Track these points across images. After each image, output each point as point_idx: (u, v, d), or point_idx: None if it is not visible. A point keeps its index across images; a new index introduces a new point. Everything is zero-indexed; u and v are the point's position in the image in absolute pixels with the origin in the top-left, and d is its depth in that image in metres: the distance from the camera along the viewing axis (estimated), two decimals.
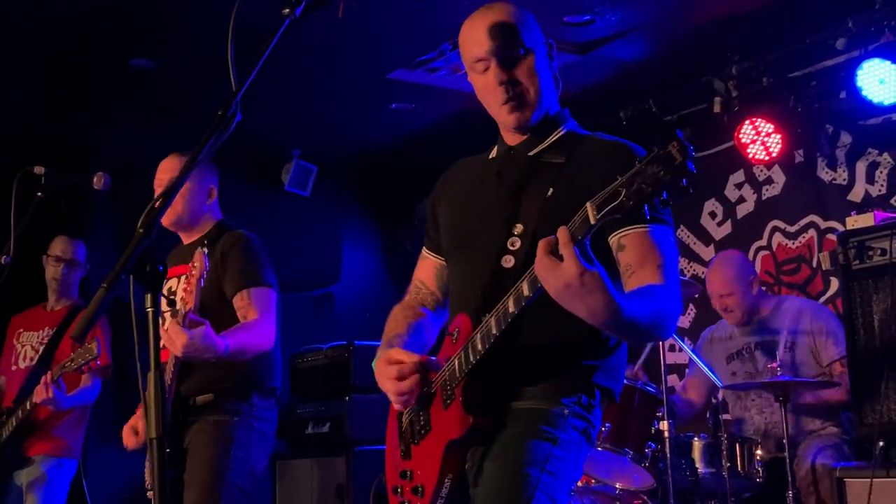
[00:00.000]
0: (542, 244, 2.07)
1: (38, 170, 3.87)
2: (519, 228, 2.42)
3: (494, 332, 2.29)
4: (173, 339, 3.34)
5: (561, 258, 2.02)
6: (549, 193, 2.41)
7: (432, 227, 2.79)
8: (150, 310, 1.87)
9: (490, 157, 2.70)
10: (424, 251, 2.83)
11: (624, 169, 2.01)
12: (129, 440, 3.78)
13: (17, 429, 4.88)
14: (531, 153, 2.56)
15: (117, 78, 5.90)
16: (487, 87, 2.54)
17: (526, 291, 2.20)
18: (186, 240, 3.98)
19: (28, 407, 4.72)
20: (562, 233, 2.04)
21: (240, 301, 3.69)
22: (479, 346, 2.33)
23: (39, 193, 3.86)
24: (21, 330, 5.46)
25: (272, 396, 3.85)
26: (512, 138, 2.62)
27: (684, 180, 1.91)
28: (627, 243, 2.35)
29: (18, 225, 3.81)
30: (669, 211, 2.40)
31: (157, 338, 1.86)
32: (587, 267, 2.01)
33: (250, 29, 2.16)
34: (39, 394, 4.56)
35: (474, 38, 2.53)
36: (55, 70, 5.78)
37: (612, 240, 2.37)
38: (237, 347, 3.50)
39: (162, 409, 3.36)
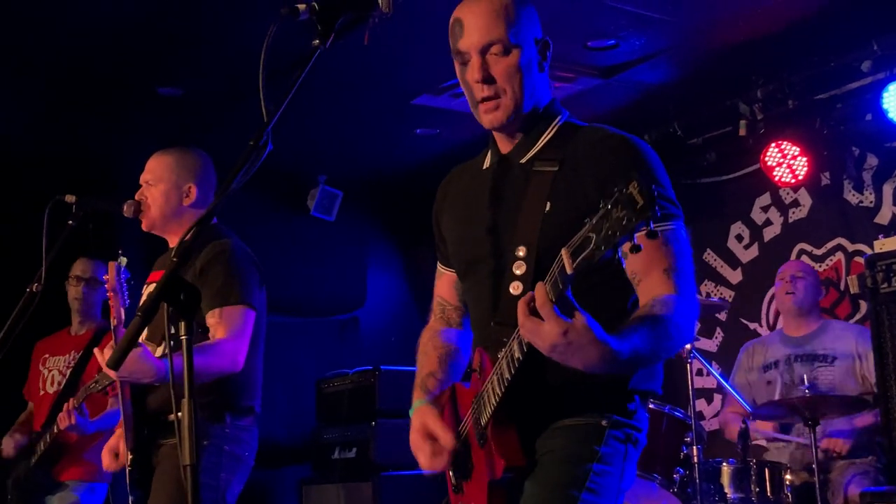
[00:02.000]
0: (520, 305, 2.01)
1: (70, 198, 3.87)
2: (522, 251, 2.32)
3: (507, 376, 2.23)
4: (104, 361, 3.21)
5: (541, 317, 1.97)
6: (547, 209, 2.31)
7: (440, 241, 2.73)
8: (184, 337, 1.88)
9: (484, 166, 2.57)
10: (439, 266, 2.78)
11: (619, 173, 1.95)
12: (109, 462, 3.64)
13: (45, 453, 4.90)
14: (523, 160, 2.44)
15: (146, 105, 5.96)
16: (465, 83, 2.43)
17: (517, 354, 2.16)
18: (172, 243, 3.82)
19: (55, 431, 4.74)
20: (538, 291, 1.97)
21: (211, 319, 3.47)
22: (498, 390, 2.27)
23: (70, 221, 3.87)
24: (47, 355, 5.48)
25: (249, 415, 3.62)
26: (504, 143, 2.49)
27: (651, 223, 1.80)
28: (642, 244, 2.24)
29: (49, 253, 3.83)
30: (675, 200, 2.30)
31: (191, 361, 1.86)
32: (568, 322, 1.95)
33: (276, 56, 2.18)
34: (63, 420, 4.58)
35: (457, 28, 2.41)
36: (85, 98, 5.85)
37: (623, 245, 2.30)
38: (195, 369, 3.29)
39: (136, 431, 3.38)
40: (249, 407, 3.64)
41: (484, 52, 2.37)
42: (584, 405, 2.35)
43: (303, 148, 6.65)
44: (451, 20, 2.45)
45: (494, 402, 2.28)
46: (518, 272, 2.32)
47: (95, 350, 3.39)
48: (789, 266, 5.50)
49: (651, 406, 4.36)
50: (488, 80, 2.37)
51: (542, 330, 1.97)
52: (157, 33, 5.14)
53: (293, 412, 7.07)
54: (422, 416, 2.50)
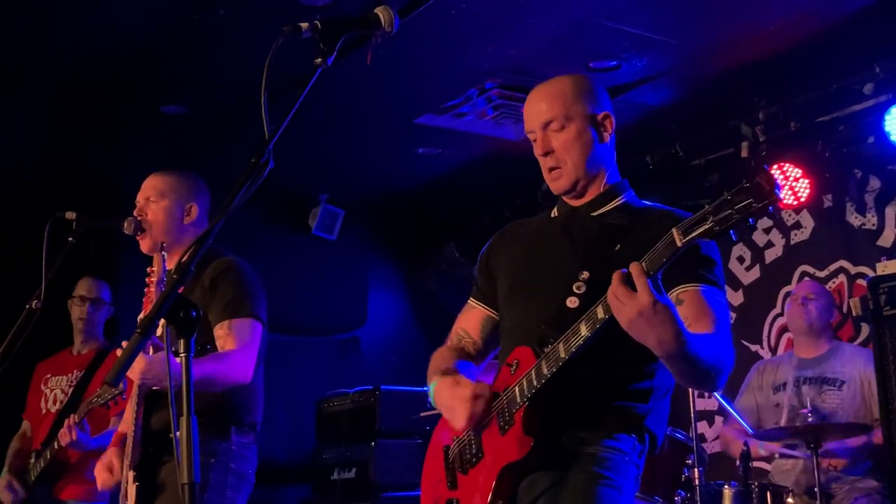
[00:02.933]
0: (616, 275, 2.18)
1: (70, 215, 3.85)
2: (585, 275, 2.52)
3: (563, 355, 2.37)
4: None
5: (634, 288, 2.13)
6: (617, 249, 2.53)
7: (484, 280, 2.88)
8: (183, 355, 1.87)
9: (552, 215, 2.81)
10: (471, 301, 2.91)
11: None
12: (104, 479, 3.60)
13: (44, 471, 4.88)
14: (595, 214, 2.69)
15: (148, 123, 5.97)
16: (537, 157, 2.71)
17: (601, 314, 2.29)
18: (170, 263, 3.76)
19: (55, 448, 4.72)
20: (634, 266, 2.16)
21: (220, 331, 3.50)
22: (545, 371, 2.41)
23: (70, 238, 3.86)
24: (49, 375, 5.46)
25: (252, 433, 3.66)
26: (573, 201, 2.73)
27: (770, 207, 2.03)
28: (686, 298, 2.45)
29: (49, 270, 3.81)
30: (723, 277, 2.53)
31: (189, 381, 1.86)
32: (659, 298, 2.13)
33: (279, 75, 2.18)
34: (64, 437, 4.55)
35: (526, 112, 2.73)
36: (87, 115, 5.86)
37: (672, 295, 2.44)
38: (203, 376, 3.25)
39: (142, 448, 3.36)
40: (252, 423, 3.67)
41: (545, 128, 2.68)
42: (610, 435, 2.49)
43: (304, 167, 6.65)
44: (525, 105, 2.78)
45: (537, 385, 2.41)
46: (577, 291, 2.52)
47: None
48: (802, 287, 5.48)
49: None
50: (548, 152, 2.68)
51: (633, 297, 2.15)
52: (161, 52, 5.15)
53: (293, 432, 7.04)
54: (448, 378, 2.64)
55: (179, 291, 3.32)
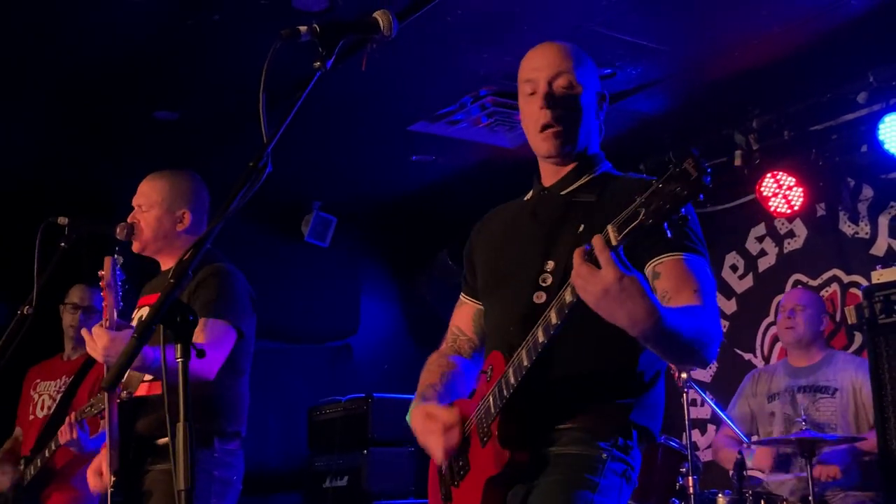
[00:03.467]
0: (577, 252, 2.05)
1: (62, 220, 3.84)
2: (550, 265, 2.45)
3: (525, 363, 2.30)
4: (94, 340, 3.19)
5: (597, 265, 2.01)
6: (580, 230, 2.42)
7: (469, 272, 2.82)
8: (180, 360, 1.85)
9: (526, 199, 2.73)
10: (462, 297, 2.85)
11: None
12: (95, 483, 3.58)
13: (35, 477, 4.84)
14: (564, 192, 2.58)
15: (141, 129, 5.95)
16: (530, 111, 2.56)
17: (554, 320, 2.20)
18: (164, 266, 3.83)
19: (53, 448, 4.67)
20: (597, 240, 2.02)
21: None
22: (512, 380, 2.34)
23: (62, 244, 3.84)
24: (38, 380, 5.43)
25: (236, 439, 3.63)
26: (548, 177, 2.64)
27: (701, 195, 1.90)
28: (662, 270, 2.34)
29: (41, 275, 3.79)
30: (704, 242, 2.39)
31: (187, 388, 1.84)
32: (625, 272, 1.99)
33: (275, 80, 2.16)
34: (64, 435, 4.50)
35: (530, 61, 2.59)
36: (79, 120, 5.83)
37: (648, 269, 2.36)
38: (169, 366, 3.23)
39: (122, 452, 3.33)
40: (236, 432, 3.63)
41: (551, 82, 2.52)
42: (586, 433, 2.40)
43: (297, 173, 6.64)
44: (526, 56, 2.62)
45: (507, 394, 2.35)
46: (544, 284, 2.44)
47: (84, 331, 3.32)
48: (790, 297, 5.44)
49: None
50: (552, 106, 2.51)
51: (598, 274, 2.00)
52: (155, 57, 5.13)
53: (284, 439, 7.01)
54: (421, 408, 2.57)
55: (159, 294, 3.30)
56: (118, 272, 3.42)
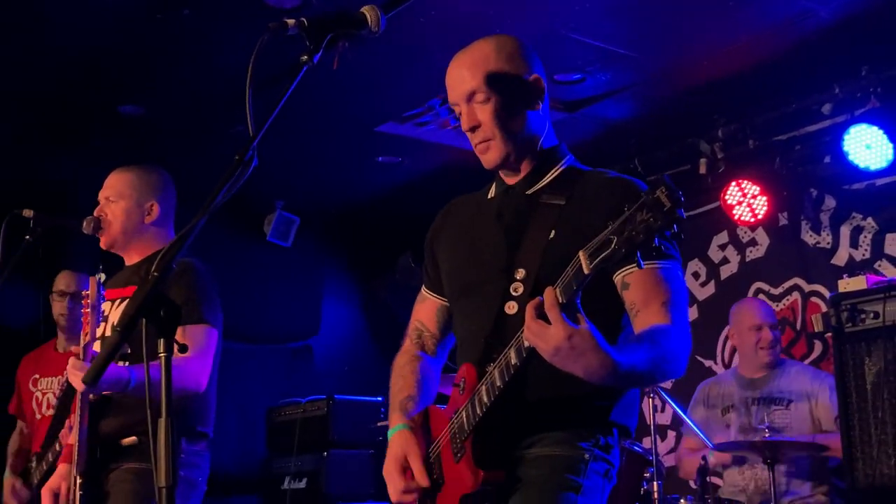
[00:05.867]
0: (529, 308, 2.04)
1: (27, 213, 3.80)
2: (521, 273, 2.38)
3: (499, 384, 2.26)
4: (73, 373, 3.17)
5: (547, 321, 2.00)
6: (551, 236, 2.37)
7: (431, 266, 2.74)
8: (162, 355, 1.81)
9: (489, 196, 2.63)
10: (424, 291, 2.77)
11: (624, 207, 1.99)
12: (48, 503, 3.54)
13: (46, 474, 4.76)
14: (529, 192, 2.50)
15: (105, 123, 5.86)
16: (464, 132, 2.52)
17: (526, 343, 2.15)
18: (129, 261, 3.77)
19: (57, 449, 4.60)
20: (548, 294, 2.01)
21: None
22: (485, 399, 2.30)
23: (28, 237, 3.78)
24: (37, 375, 5.32)
25: (203, 440, 3.58)
26: (509, 177, 2.55)
27: (675, 226, 1.88)
28: (631, 281, 2.30)
29: (4, 268, 3.73)
30: (676, 245, 2.34)
31: (170, 384, 1.80)
32: (575, 328, 1.99)
33: (243, 76, 2.15)
34: (65, 437, 4.44)
35: (448, 83, 2.52)
36: (43, 114, 5.74)
37: (617, 278, 2.32)
38: (156, 383, 3.18)
39: (88, 454, 3.27)
40: (204, 433, 3.59)
41: (469, 101, 2.47)
42: (567, 434, 2.37)
43: (261, 172, 6.50)
44: (447, 74, 2.54)
45: (480, 413, 2.31)
46: (515, 293, 2.39)
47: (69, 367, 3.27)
48: (758, 313, 5.25)
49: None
50: (475, 127, 2.46)
51: (547, 333, 2.01)
52: (119, 51, 5.06)
53: (243, 441, 6.94)
54: (403, 445, 2.50)
55: (132, 288, 3.23)
56: (100, 293, 3.37)
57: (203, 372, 3.40)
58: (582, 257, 1.99)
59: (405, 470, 2.46)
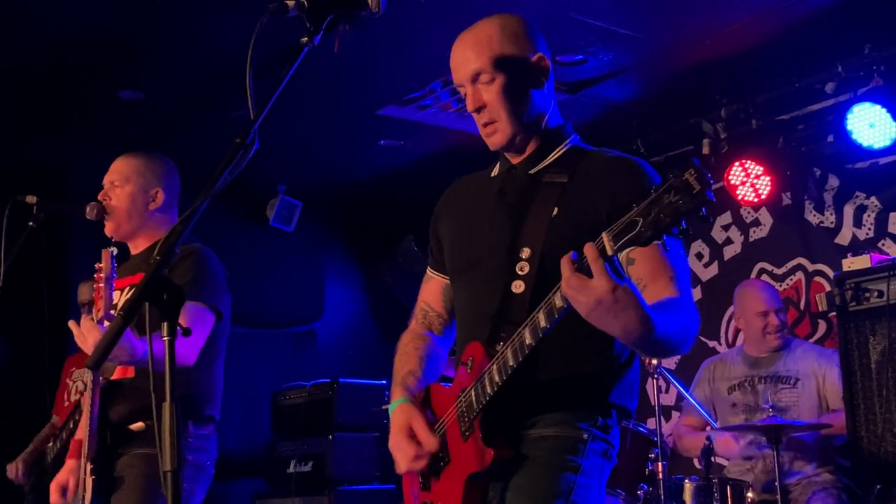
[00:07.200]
0: (565, 262, 2.00)
1: (31, 199, 3.77)
2: (526, 252, 2.38)
3: (511, 363, 2.26)
4: (85, 335, 3.13)
5: (588, 275, 1.96)
6: (554, 214, 2.38)
7: (435, 246, 2.75)
8: (166, 339, 1.81)
9: (492, 175, 2.64)
10: (429, 271, 2.78)
11: (633, 188, 1.98)
12: (56, 500, 3.52)
13: (59, 454, 4.79)
14: (532, 171, 2.51)
15: (105, 108, 5.85)
16: (470, 112, 2.52)
17: (543, 323, 2.16)
18: (134, 250, 3.76)
19: (71, 426, 4.63)
20: (590, 249, 1.97)
21: None
22: (497, 378, 2.30)
23: (31, 223, 3.77)
24: (74, 368, 5.48)
25: (210, 424, 3.58)
26: (513, 156, 2.55)
27: (703, 209, 1.85)
28: (637, 257, 2.30)
29: (8, 255, 3.71)
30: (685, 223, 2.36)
31: (174, 368, 1.80)
32: (618, 282, 1.95)
33: (242, 55, 2.13)
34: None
35: (452, 64, 2.52)
36: (43, 100, 5.73)
37: (621, 254, 2.27)
38: (146, 353, 3.10)
39: (99, 439, 3.28)
40: (211, 416, 3.60)
41: (474, 81, 2.47)
42: (567, 415, 2.38)
43: (263, 156, 6.53)
44: (450, 55, 2.55)
45: (491, 392, 2.31)
46: (521, 272, 2.39)
47: (71, 323, 3.24)
48: (764, 298, 5.22)
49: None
50: (480, 108, 2.47)
51: (590, 285, 1.96)
52: (119, 36, 5.04)
53: (248, 424, 6.96)
54: (406, 414, 2.49)
55: (140, 275, 3.23)
56: (113, 263, 3.36)
57: (194, 346, 3.37)
58: (605, 238, 1.96)
59: (412, 438, 2.45)
